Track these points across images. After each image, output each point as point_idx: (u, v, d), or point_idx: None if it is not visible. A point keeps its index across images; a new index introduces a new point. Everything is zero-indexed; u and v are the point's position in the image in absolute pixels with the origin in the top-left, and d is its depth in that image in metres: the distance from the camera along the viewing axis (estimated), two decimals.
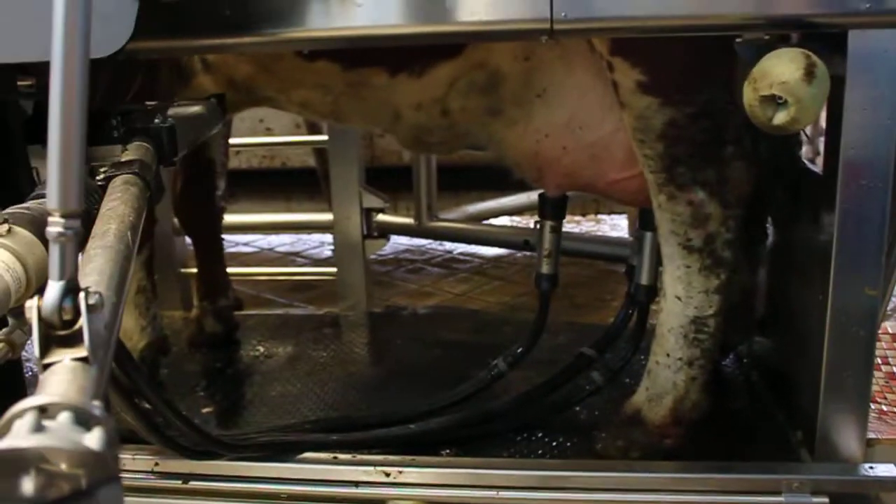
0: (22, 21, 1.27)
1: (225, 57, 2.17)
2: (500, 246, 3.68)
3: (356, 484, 1.96)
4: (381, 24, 1.73)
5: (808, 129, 2.81)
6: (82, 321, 0.72)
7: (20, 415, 0.66)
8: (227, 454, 1.97)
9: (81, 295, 0.72)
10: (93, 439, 0.67)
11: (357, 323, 3.14)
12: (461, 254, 4.44)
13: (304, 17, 1.76)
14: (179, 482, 1.99)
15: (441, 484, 1.94)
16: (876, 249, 1.73)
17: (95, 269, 0.79)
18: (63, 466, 0.66)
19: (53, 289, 0.72)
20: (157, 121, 1.45)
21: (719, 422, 2.16)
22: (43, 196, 1.13)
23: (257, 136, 4.18)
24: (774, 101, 1.59)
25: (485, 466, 1.96)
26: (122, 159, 1.30)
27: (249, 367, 2.74)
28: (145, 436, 1.82)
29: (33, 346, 0.71)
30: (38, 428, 0.66)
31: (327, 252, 4.52)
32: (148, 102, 1.59)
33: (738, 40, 1.69)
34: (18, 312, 0.95)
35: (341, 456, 2.01)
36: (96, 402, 0.70)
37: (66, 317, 0.72)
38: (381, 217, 3.33)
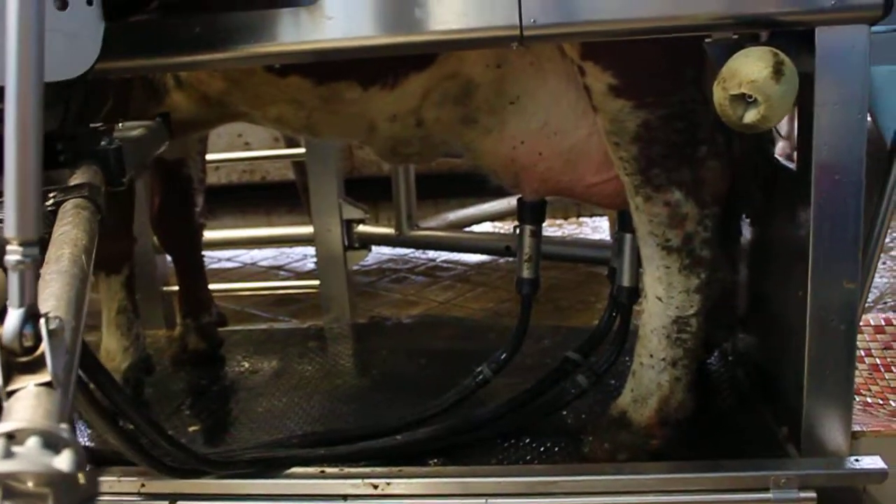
0: None
1: (197, 73, 2.16)
2: (482, 252, 3.70)
3: (344, 497, 1.95)
4: (351, 37, 1.73)
5: (784, 126, 2.82)
6: (44, 346, 0.71)
7: None
8: (214, 472, 1.96)
9: (42, 321, 0.71)
10: (63, 461, 0.67)
11: (341, 335, 3.13)
12: (444, 262, 4.45)
13: (275, 32, 1.76)
14: (167, 503, 1.97)
15: (429, 494, 1.93)
16: (853, 242, 1.74)
17: (53, 294, 0.78)
18: (34, 490, 0.66)
19: (14, 316, 0.71)
20: (103, 143, 1.44)
21: (705, 421, 2.16)
22: None
23: (235, 150, 4.17)
24: (744, 100, 1.59)
25: (472, 475, 1.95)
26: (71, 183, 1.29)
27: (235, 383, 2.72)
28: (130, 457, 1.80)
29: None
30: (8, 454, 0.66)
31: (310, 265, 4.52)
32: (92, 125, 1.57)
33: (707, 40, 1.70)
34: None
35: (329, 470, 2.00)
36: (63, 425, 0.69)
37: (28, 343, 0.72)
38: (361, 228, 3.33)
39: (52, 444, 0.68)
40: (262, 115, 2.27)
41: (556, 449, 2.12)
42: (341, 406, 2.47)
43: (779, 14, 1.63)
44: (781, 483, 1.82)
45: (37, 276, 0.73)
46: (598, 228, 4.98)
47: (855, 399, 1.99)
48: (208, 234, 3.13)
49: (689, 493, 1.85)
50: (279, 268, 4.62)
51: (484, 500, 1.90)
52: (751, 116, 1.60)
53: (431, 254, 4.55)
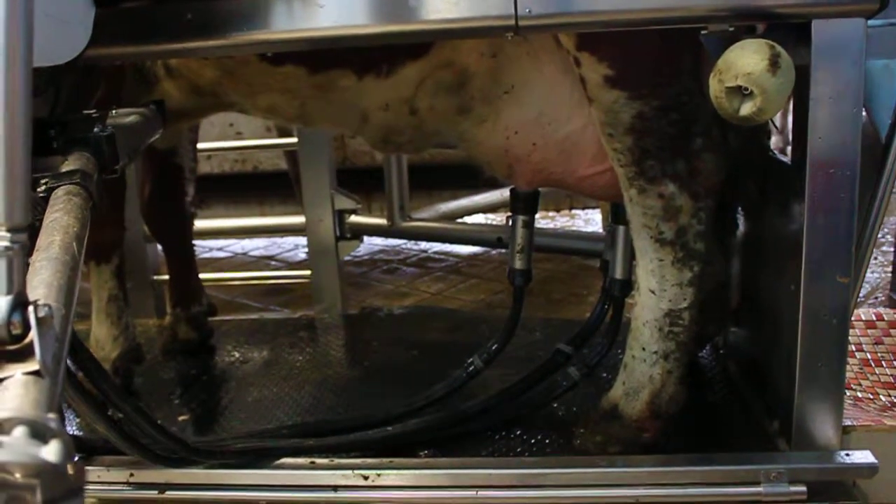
0: None
1: (188, 62, 2.15)
2: (474, 244, 3.68)
3: (335, 488, 1.95)
4: (344, 25, 1.72)
5: (778, 120, 2.82)
6: (32, 335, 0.70)
7: None
8: (203, 462, 1.95)
9: (30, 308, 0.70)
10: (50, 452, 0.66)
11: (332, 325, 3.13)
12: (436, 253, 4.44)
13: (267, 20, 1.75)
14: (156, 492, 1.97)
15: (420, 486, 1.92)
16: (846, 237, 1.74)
17: (43, 282, 0.77)
18: (22, 481, 0.65)
19: (1, 303, 0.70)
20: (96, 129, 1.43)
21: (697, 414, 2.16)
22: None
23: (227, 140, 4.14)
24: (740, 93, 1.59)
25: (463, 466, 1.95)
26: (63, 170, 1.28)
27: (225, 373, 2.71)
28: (119, 446, 1.79)
29: None
30: None
31: (302, 255, 4.50)
32: (85, 111, 1.55)
33: (703, 32, 1.69)
34: None
35: (319, 460, 1.99)
36: (51, 415, 0.68)
37: (16, 331, 0.70)
38: (353, 218, 3.32)
39: (40, 433, 0.67)
40: (253, 104, 2.25)
41: (547, 441, 2.12)
42: (332, 396, 2.47)
43: (776, 6, 1.62)
44: (772, 477, 1.82)
45: (26, 264, 0.72)
46: (590, 221, 4.98)
47: (846, 393, 2.00)
48: (199, 224, 3.11)
49: (680, 486, 1.85)
50: (270, 258, 4.60)
51: (474, 492, 1.90)
52: (747, 109, 1.59)
53: (423, 245, 4.54)
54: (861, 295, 2.05)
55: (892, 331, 2.40)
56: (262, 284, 3.93)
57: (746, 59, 1.56)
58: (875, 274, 3.68)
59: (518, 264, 2.31)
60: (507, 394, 2.25)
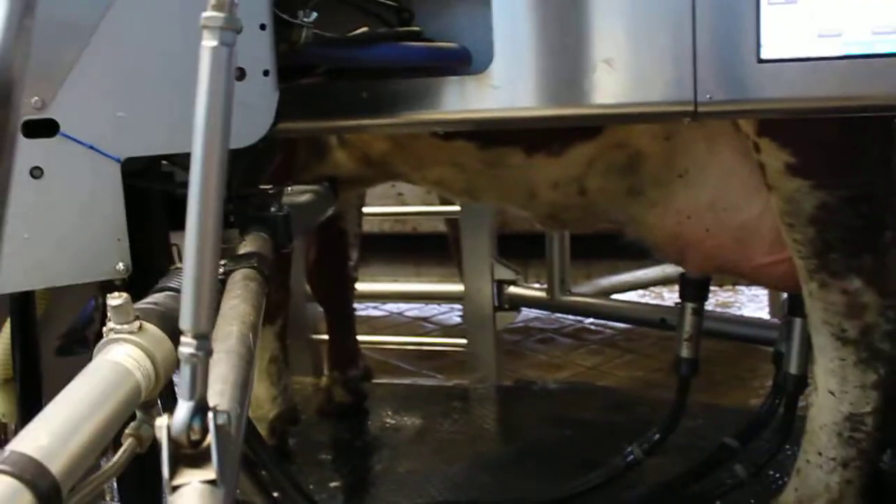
0: (169, 115, 1.30)
1: (361, 134, 2.20)
2: (637, 324, 3.56)
3: None
4: (517, 107, 1.70)
5: None
6: (211, 442, 0.70)
7: None
8: None
9: (210, 415, 0.71)
10: None
11: (486, 397, 3.10)
12: (592, 324, 4.34)
13: (440, 99, 1.75)
14: None
15: None
16: None
17: (220, 378, 0.77)
18: None
19: (183, 409, 0.71)
20: (272, 209, 1.45)
21: None
22: (171, 289, 1.13)
23: (388, 200, 4.21)
24: None
25: None
26: (241, 251, 1.30)
27: (377, 439, 2.73)
28: None
29: (161, 464, 0.70)
30: None
31: (456, 318, 4.50)
32: (262, 187, 1.59)
33: None
34: (146, 406, 0.95)
35: None
36: None
37: (195, 437, 0.71)
38: (512, 289, 3.28)
39: None
40: (421, 176, 2.28)
41: None
42: (483, 475, 2.43)
43: None
44: None
45: (207, 368, 0.72)
46: (755, 297, 4.76)
47: None
48: (359, 286, 3.16)
49: None
50: (425, 319, 4.63)
51: None
52: None
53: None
54: None
55: None
56: (417, 350, 3.94)
57: None
58: None
59: (685, 353, 2.22)
60: (669, 487, 2.15)
